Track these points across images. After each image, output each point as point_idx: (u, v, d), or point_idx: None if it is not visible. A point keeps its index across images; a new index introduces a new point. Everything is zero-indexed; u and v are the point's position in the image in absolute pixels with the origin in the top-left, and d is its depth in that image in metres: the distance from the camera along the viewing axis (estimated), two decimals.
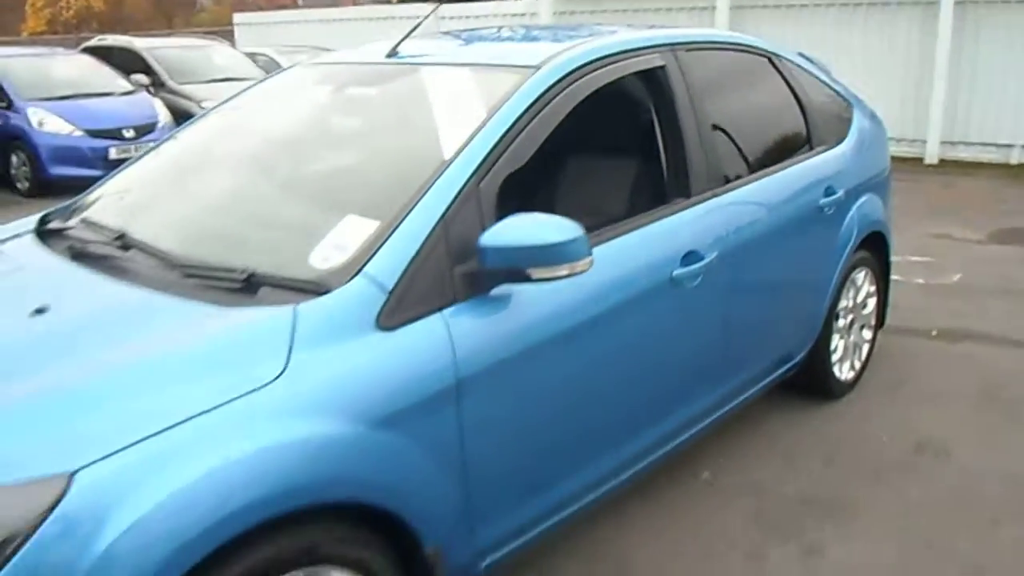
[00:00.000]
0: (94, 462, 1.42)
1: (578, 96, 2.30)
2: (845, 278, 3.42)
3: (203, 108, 10.50)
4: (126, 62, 10.86)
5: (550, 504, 2.21)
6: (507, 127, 2.09)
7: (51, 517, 1.36)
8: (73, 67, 10.04)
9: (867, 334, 3.77)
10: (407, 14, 14.63)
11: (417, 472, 1.79)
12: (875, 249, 3.66)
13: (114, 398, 1.54)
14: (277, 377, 1.62)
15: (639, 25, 3.04)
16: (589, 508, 2.39)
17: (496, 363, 1.92)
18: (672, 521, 2.77)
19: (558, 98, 2.24)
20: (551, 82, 2.25)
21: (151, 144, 3.79)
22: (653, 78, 2.60)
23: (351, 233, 1.89)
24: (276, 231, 2.14)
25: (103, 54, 11.02)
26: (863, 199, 3.48)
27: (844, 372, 3.61)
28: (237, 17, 17.07)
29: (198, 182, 2.53)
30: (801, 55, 3.53)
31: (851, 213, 3.38)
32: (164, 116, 9.58)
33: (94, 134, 8.88)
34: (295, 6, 27.34)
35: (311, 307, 1.73)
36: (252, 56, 12.41)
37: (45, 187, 8.75)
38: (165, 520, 1.43)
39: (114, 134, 8.99)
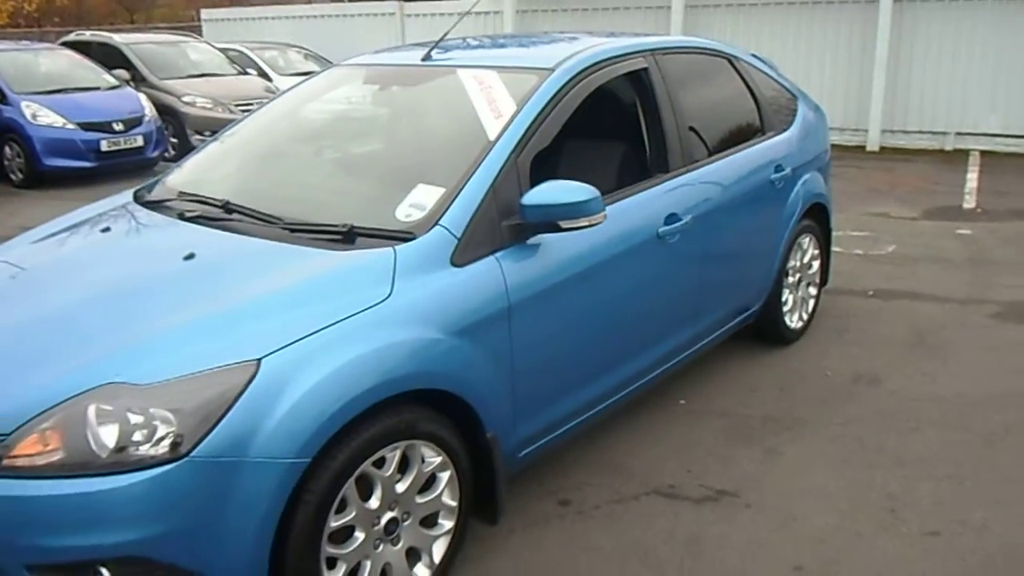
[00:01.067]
0: (272, 352, 2.00)
1: (583, 92, 2.92)
2: (793, 241, 4.10)
3: (184, 102, 10.95)
4: (105, 57, 11.17)
5: (568, 410, 2.84)
6: (534, 116, 2.71)
7: (248, 390, 1.94)
8: (59, 62, 10.35)
9: (812, 291, 4.47)
10: (367, 11, 15.10)
11: (482, 372, 2.40)
12: (818, 219, 4.36)
13: (275, 311, 2.13)
14: (386, 298, 2.22)
15: (626, 33, 3.66)
16: (595, 418, 3.02)
17: (534, 294, 2.55)
18: (657, 436, 3.41)
19: (569, 94, 2.86)
20: (564, 81, 2.87)
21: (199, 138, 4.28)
22: (638, 77, 3.24)
23: (424, 196, 2.50)
24: (360, 197, 2.74)
25: (82, 49, 11.31)
26: (807, 176, 4.17)
27: (794, 322, 4.31)
28: (205, 13, 17.33)
29: (281, 158, 3.11)
30: (754, 56, 4.20)
31: (797, 187, 4.06)
32: (150, 110, 9.98)
33: (86, 127, 9.25)
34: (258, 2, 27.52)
35: (406, 249, 2.33)
36: (224, 51, 12.78)
37: (38, 178, 9.11)
38: (320, 395, 2.02)
39: (104, 127, 9.37)
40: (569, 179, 2.60)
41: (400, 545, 2.32)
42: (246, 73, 12.37)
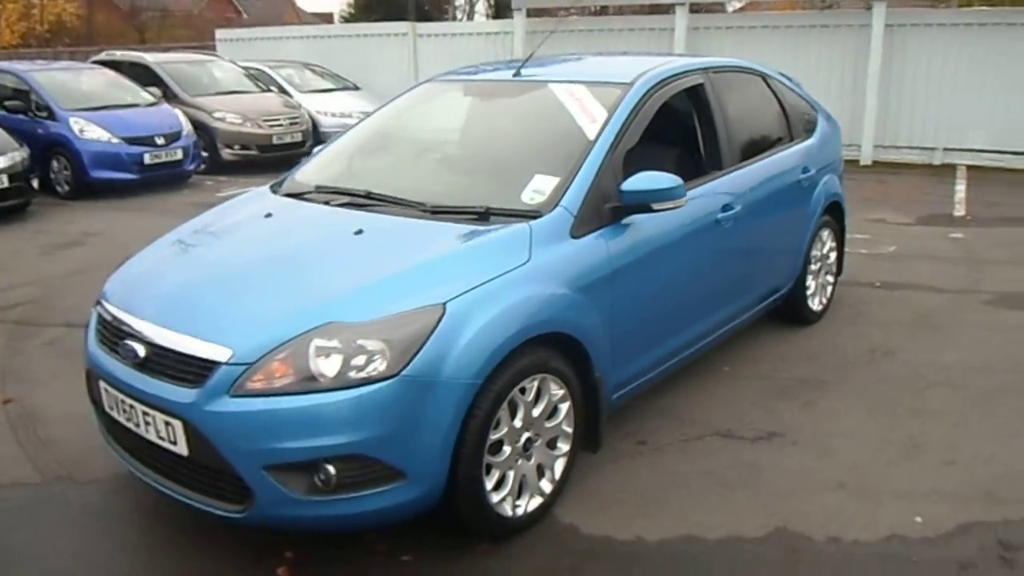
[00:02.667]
0: (453, 298, 2.59)
1: (657, 103, 3.55)
2: (815, 234, 4.74)
3: (215, 118, 11.54)
4: (136, 76, 11.72)
5: (649, 362, 3.44)
6: (623, 120, 3.33)
7: (439, 326, 2.53)
8: (99, 80, 10.92)
9: (830, 279, 5.11)
10: (380, 31, 15.76)
11: (594, 323, 3.00)
12: (835, 215, 5.01)
13: (447, 268, 2.72)
14: (526, 262, 2.83)
15: (684, 54, 4.31)
16: (667, 372, 3.63)
17: (628, 263, 3.16)
18: (708, 393, 4.02)
19: (646, 104, 3.49)
20: (642, 93, 3.50)
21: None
22: (696, 91, 3.87)
23: (543, 184, 3.11)
24: (485, 185, 3.35)
25: (113, 67, 11.88)
26: (826, 177, 4.82)
27: (815, 305, 4.94)
28: (219, 33, 17.93)
29: (403, 157, 3.73)
30: (782, 74, 4.86)
31: (819, 187, 4.71)
32: (186, 125, 10.56)
33: (130, 141, 9.81)
34: (239, 23, 28.12)
35: (538, 224, 2.94)
36: (247, 70, 13.39)
37: (85, 190, 9.65)
38: (488, 332, 2.60)
39: (147, 141, 9.94)
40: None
41: (532, 461, 2.90)
42: (269, 90, 12.96)
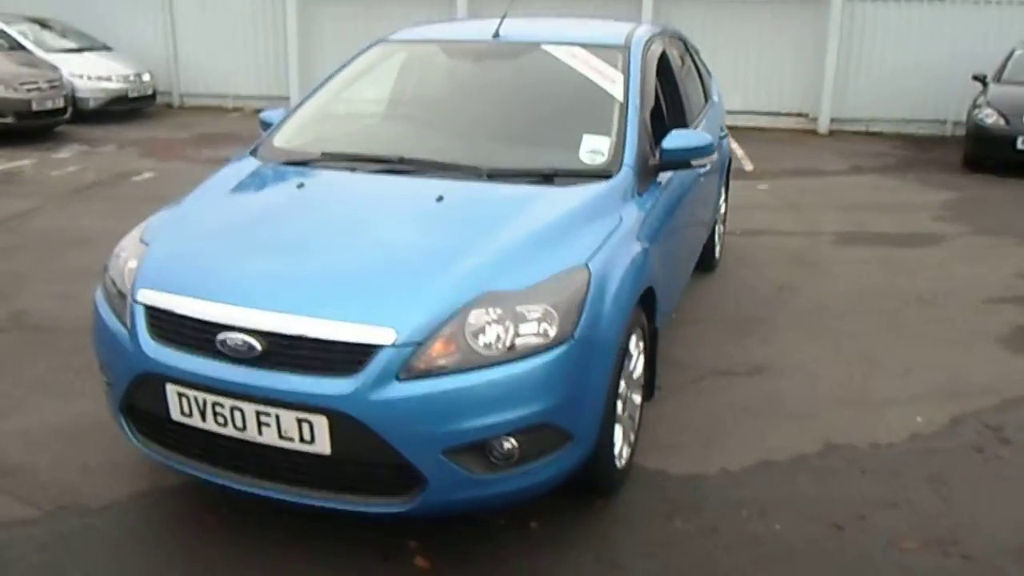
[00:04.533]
0: (591, 258, 2.57)
1: (650, 64, 3.71)
2: (724, 185, 5.22)
3: None
4: None
5: (668, 308, 3.64)
6: (638, 81, 3.44)
7: (591, 285, 2.50)
8: None
9: (722, 228, 5.65)
10: None
11: (658, 274, 3.13)
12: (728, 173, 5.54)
13: (565, 230, 2.68)
14: (621, 221, 2.86)
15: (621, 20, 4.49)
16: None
17: (661, 216, 3.29)
18: (680, 339, 4.28)
19: (645, 65, 3.63)
20: (640, 55, 3.63)
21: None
22: (664, 53, 4.08)
23: (596, 144, 3.14)
24: (531, 147, 3.29)
25: None
26: (725, 137, 5.31)
27: (718, 253, 5.45)
28: None
29: (421, 119, 3.56)
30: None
31: (724, 144, 5.18)
32: None
33: None
34: None
35: (617, 183, 2.98)
36: None
37: None
38: (624, 289, 2.63)
39: None
40: (661, 127, 3.40)
41: (626, 413, 2.98)
42: (18, 49, 11.21)
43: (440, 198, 2.87)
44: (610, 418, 2.65)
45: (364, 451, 2.31)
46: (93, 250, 5.28)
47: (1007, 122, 8.87)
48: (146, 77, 12.46)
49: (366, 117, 3.68)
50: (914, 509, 2.87)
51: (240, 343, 2.35)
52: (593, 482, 2.79)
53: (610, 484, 2.85)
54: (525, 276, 2.48)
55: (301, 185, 3.08)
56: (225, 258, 2.67)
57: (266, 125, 3.77)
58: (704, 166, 3.38)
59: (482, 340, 2.34)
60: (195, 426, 2.47)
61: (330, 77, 3.87)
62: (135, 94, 12.19)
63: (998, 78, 9.81)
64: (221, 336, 2.37)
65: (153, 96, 12.72)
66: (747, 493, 2.96)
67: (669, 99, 4.14)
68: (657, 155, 3.28)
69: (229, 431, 2.41)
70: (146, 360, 2.50)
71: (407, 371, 2.27)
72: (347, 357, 2.29)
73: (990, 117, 9.00)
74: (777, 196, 7.86)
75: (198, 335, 2.43)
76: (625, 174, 3.06)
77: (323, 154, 3.31)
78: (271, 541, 2.66)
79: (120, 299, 2.68)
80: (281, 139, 3.53)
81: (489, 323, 2.35)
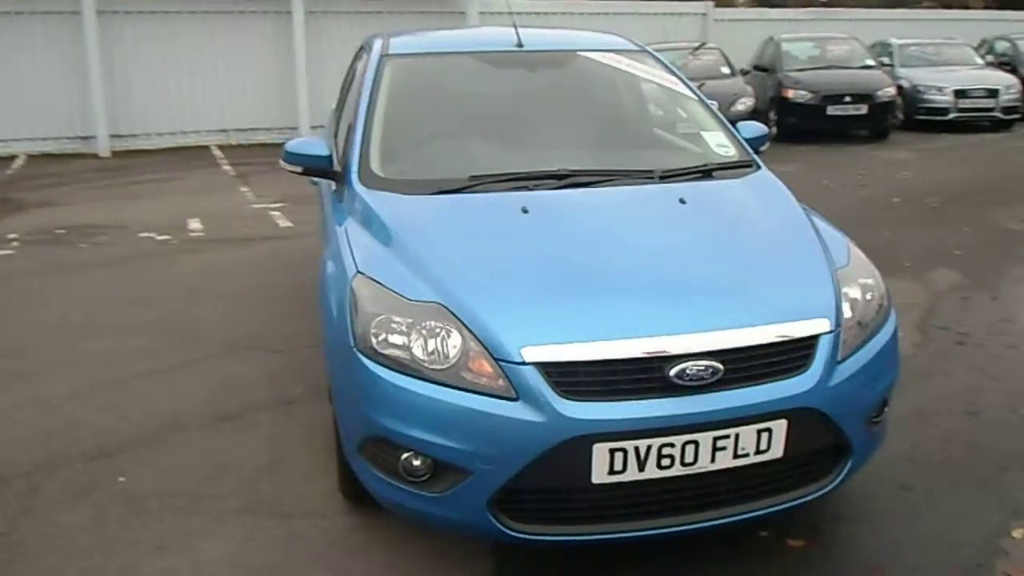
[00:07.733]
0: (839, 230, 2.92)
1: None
2: None
3: None
4: None
5: None
6: (684, 77, 3.73)
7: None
8: None
9: None
10: None
11: None
12: None
13: (799, 212, 2.95)
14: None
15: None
16: None
17: None
18: None
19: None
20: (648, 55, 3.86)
21: None
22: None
23: (717, 137, 3.36)
24: (652, 149, 3.38)
25: None
26: None
27: None
28: None
29: (522, 130, 3.41)
30: None
31: None
32: None
33: None
34: None
35: (768, 172, 3.25)
36: None
37: None
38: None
39: None
40: None
41: None
42: None
43: (683, 200, 2.90)
44: None
45: (814, 441, 2.38)
46: None
47: None
48: None
49: (449, 136, 3.38)
50: None
51: (702, 368, 2.21)
52: None
53: None
54: (841, 256, 2.72)
55: (525, 210, 2.79)
56: (578, 294, 2.43)
57: (293, 156, 3.25)
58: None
59: (864, 308, 2.56)
60: (622, 481, 2.23)
61: (371, 99, 3.37)
62: None
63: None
64: (675, 368, 2.21)
65: None
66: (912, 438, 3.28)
67: None
68: None
69: (674, 471, 2.24)
70: (567, 425, 2.16)
71: (843, 352, 2.42)
72: (795, 355, 2.33)
73: None
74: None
75: (637, 376, 2.22)
76: (762, 162, 3.32)
77: (471, 177, 2.99)
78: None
79: (453, 375, 2.25)
80: (383, 168, 3.09)
81: (859, 295, 2.58)
